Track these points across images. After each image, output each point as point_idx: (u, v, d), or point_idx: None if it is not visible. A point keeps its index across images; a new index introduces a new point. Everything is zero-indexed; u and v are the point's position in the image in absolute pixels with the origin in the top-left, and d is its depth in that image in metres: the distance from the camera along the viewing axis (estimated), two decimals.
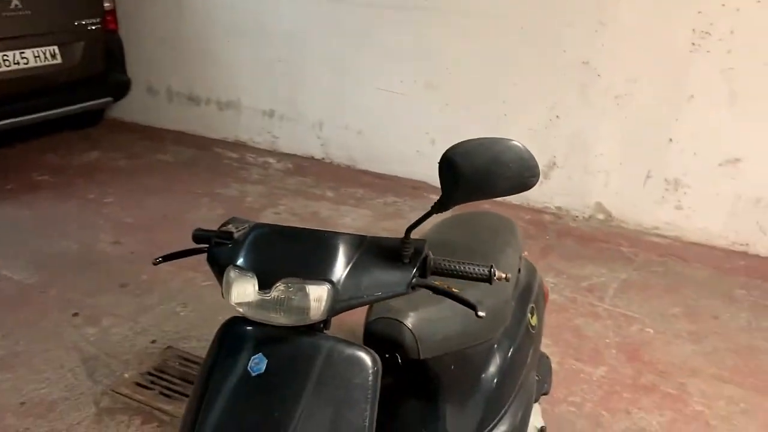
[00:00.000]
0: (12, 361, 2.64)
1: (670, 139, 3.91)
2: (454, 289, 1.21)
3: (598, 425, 2.44)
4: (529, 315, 1.91)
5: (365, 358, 1.17)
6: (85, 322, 2.92)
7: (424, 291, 1.56)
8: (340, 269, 1.15)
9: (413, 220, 1.22)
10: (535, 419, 2.04)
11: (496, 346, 1.75)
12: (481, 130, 4.34)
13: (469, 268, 1.22)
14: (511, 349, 1.78)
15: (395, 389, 1.67)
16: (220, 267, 1.26)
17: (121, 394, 2.49)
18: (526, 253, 2.24)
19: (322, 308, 1.13)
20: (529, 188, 1.19)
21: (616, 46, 3.89)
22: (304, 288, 1.13)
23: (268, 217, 4.06)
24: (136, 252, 3.56)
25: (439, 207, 1.19)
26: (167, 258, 1.41)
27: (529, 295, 1.96)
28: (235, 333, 1.24)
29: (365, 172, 4.83)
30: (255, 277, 1.15)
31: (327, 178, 4.72)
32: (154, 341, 2.81)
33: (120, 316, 2.98)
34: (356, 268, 1.17)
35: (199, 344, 2.80)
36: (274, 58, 4.93)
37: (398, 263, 1.19)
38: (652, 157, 4.00)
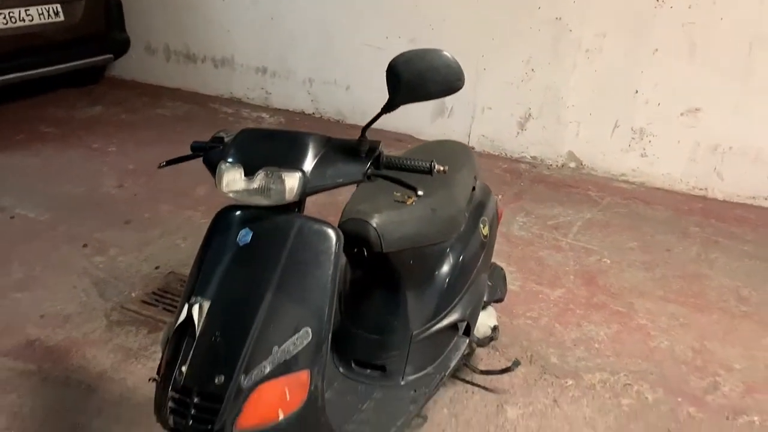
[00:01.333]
0: (30, 284, 2.95)
1: (636, 91, 4.19)
2: (400, 179, 1.50)
3: (551, 335, 2.76)
4: (482, 226, 2.22)
5: (330, 231, 1.47)
6: (93, 252, 3.23)
7: (387, 200, 1.87)
8: (309, 161, 1.45)
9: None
10: (489, 319, 2.36)
11: (449, 248, 2.05)
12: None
13: (414, 162, 1.52)
14: (463, 252, 2.09)
15: (363, 281, 1.99)
16: (213, 165, 1.55)
17: (129, 310, 2.80)
18: (500, 196, 2.53)
19: (295, 191, 1.43)
20: (456, 91, 1.47)
21: (586, 2, 4.14)
22: (281, 175, 1.42)
23: None
24: (139, 194, 3.85)
25: (387, 108, 1.47)
26: (170, 162, 1.70)
27: (482, 210, 2.26)
28: (227, 215, 1.53)
29: (353, 126, 5.09)
30: (241, 168, 1.45)
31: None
32: (157, 267, 3.12)
33: (125, 247, 3.28)
34: (322, 160, 1.46)
35: None
36: (266, 15, 5.16)
37: (356, 158, 1.48)
38: (620, 107, 4.27)
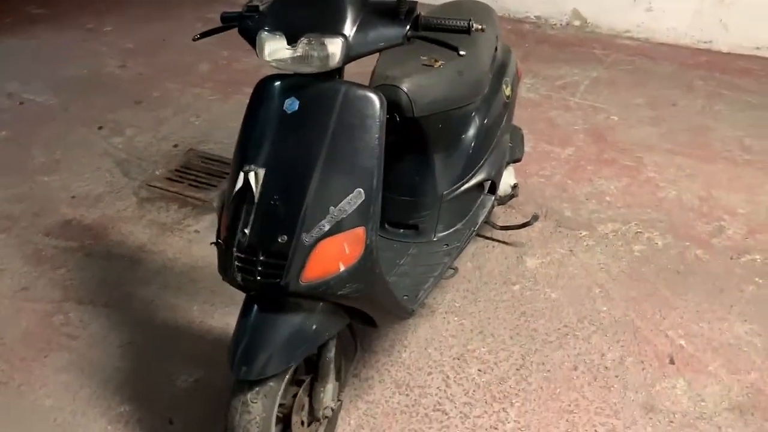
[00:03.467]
0: (54, 167, 3.01)
1: None
2: (441, 39, 1.53)
3: (564, 191, 2.88)
4: (504, 87, 2.26)
5: (374, 96, 1.52)
6: (110, 133, 3.26)
7: (416, 64, 1.90)
8: (349, 25, 1.46)
9: None
10: (509, 177, 2.46)
11: (475, 111, 2.11)
12: None
13: (451, 22, 1.54)
14: (488, 114, 2.15)
15: (395, 145, 2.06)
16: (251, 35, 1.57)
17: (156, 187, 2.88)
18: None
19: (338, 57, 1.46)
20: None
21: None
22: (323, 41, 1.45)
23: None
24: (144, 73, 3.82)
25: None
26: (204, 35, 1.70)
27: (504, 70, 2.29)
28: (271, 84, 1.57)
29: None
30: (283, 36, 1.47)
31: None
32: (176, 145, 3.17)
33: (140, 127, 3.31)
34: (362, 24, 1.48)
35: (216, 146, 3.16)
36: None
37: (395, 20, 1.50)
38: None
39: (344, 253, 1.48)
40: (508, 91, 2.28)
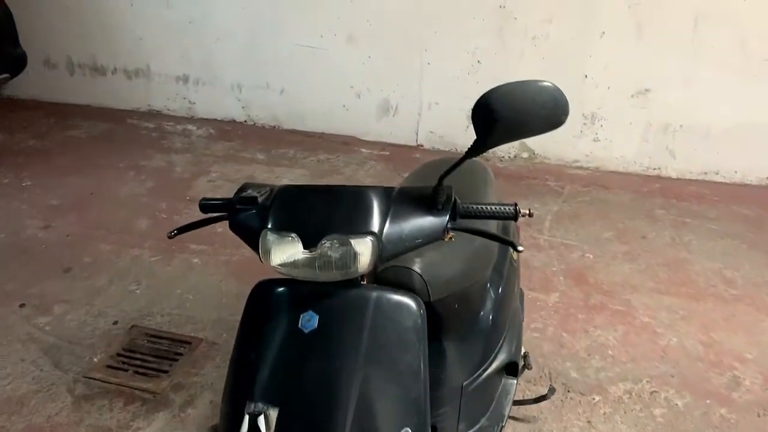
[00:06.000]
0: None
1: (586, 76, 4.13)
2: (495, 233, 1.28)
3: (562, 346, 2.63)
4: (511, 250, 2.03)
5: (411, 302, 1.23)
6: (34, 312, 2.78)
7: None
8: (379, 221, 1.19)
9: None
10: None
11: (489, 282, 1.85)
12: (406, 81, 4.42)
13: (494, 208, 1.29)
14: (502, 283, 1.90)
15: None
16: (249, 232, 1.26)
17: (95, 379, 2.42)
18: None
19: (368, 260, 1.17)
20: (561, 125, 1.24)
21: None
22: (349, 243, 1.16)
23: (203, 185, 3.97)
24: (72, 234, 3.40)
25: (472, 152, 1.23)
26: (182, 230, 1.38)
27: (508, 230, 2.07)
28: (277, 293, 1.25)
29: (292, 132, 4.78)
30: (297, 238, 1.17)
31: (254, 141, 4.64)
32: (116, 322, 2.73)
33: (72, 301, 2.86)
34: (394, 218, 1.21)
35: (164, 319, 2.75)
36: (183, 19, 4.72)
37: (432, 210, 1.24)
38: (570, 93, 4.09)
39: None
40: (514, 254, 2.05)
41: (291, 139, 4.69)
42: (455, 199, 1.28)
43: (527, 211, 1.31)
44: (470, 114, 1.19)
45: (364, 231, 1.17)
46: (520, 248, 1.23)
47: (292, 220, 1.20)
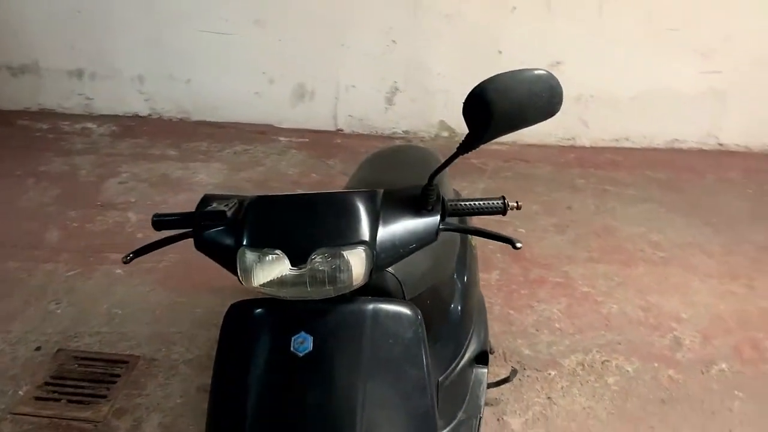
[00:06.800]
0: None
1: (500, 51, 4.16)
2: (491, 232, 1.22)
3: (511, 324, 2.64)
4: (469, 237, 1.99)
5: (408, 311, 1.15)
6: None
7: None
8: (369, 229, 1.10)
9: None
10: None
11: (455, 274, 1.80)
12: (320, 64, 4.28)
13: (482, 204, 1.24)
14: (466, 273, 1.86)
15: None
16: (220, 251, 1.14)
17: (23, 414, 2.19)
18: None
19: (363, 272, 1.09)
20: (555, 114, 1.18)
21: None
22: (342, 255, 1.07)
23: (114, 188, 3.69)
24: None
25: (465, 147, 1.15)
26: (139, 252, 1.24)
27: (465, 219, 2.03)
28: (262, 316, 1.14)
29: (202, 124, 4.54)
30: (283, 255, 1.06)
31: (162, 136, 4.37)
32: (38, 348, 2.48)
33: None
34: (385, 224, 1.13)
35: (93, 339, 2.53)
36: (70, 8, 4.33)
37: (422, 212, 1.17)
38: (485, 69, 4.11)
39: None
40: (473, 241, 2.02)
41: (202, 131, 4.45)
42: (443, 197, 1.21)
43: (515, 204, 1.26)
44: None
45: (354, 241, 1.08)
46: (518, 244, 1.18)
47: (274, 235, 1.09)
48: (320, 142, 4.35)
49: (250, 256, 1.08)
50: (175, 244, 1.25)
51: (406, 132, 4.45)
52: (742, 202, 3.64)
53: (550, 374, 2.39)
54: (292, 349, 1.09)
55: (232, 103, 4.46)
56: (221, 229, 1.16)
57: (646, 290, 2.86)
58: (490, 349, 2.13)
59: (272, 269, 1.07)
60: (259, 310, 1.15)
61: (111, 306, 2.71)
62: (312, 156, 4.16)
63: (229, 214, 1.16)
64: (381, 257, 1.10)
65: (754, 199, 3.68)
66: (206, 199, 1.22)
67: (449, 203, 1.21)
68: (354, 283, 1.09)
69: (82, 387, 2.32)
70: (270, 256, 1.07)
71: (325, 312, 1.12)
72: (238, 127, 4.48)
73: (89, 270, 2.95)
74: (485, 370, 1.87)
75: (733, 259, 3.08)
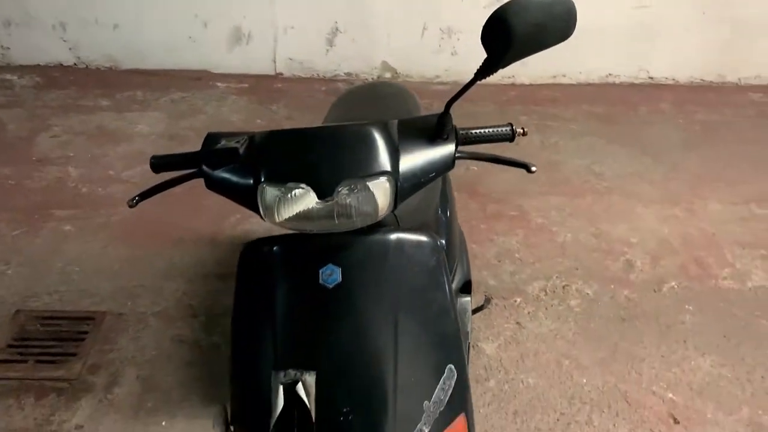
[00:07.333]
0: None
1: None
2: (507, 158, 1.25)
3: (475, 257, 2.72)
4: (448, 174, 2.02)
5: (429, 239, 1.18)
6: None
7: None
8: (391, 159, 1.10)
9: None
10: None
11: (440, 207, 1.83)
12: (256, 5, 4.14)
13: (491, 131, 1.26)
14: (448, 208, 1.89)
15: None
16: (237, 189, 1.12)
17: None
18: None
19: (388, 203, 1.10)
20: (569, 37, 1.18)
21: None
22: (367, 186, 1.07)
23: (47, 143, 3.49)
24: None
25: (483, 73, 1.16)
26: (145, 195, 1.19)
27: None
28: (286, 251, 1.14)
29: (133, 72, 4.31)
30: (309, 188, 1.06)
31: (91, 86, 4.13)
32: None
33: None
34: (405, 153, 1.13)
35: (52, 298, 2.44)
36: None
37: (438, 140, 1.18)
38: (427, 9, 4.20)
39: None
40: (449, 176, 2.05)
41: (134, 80, 4.23)
42: (455, 126, 1.23)
43: (521, 130, 1.29)
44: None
45: (378, 171, 1.08)
46: (533, 168, 1.22)
47: (297, 169, 1.08)
48: (260, 87, 4.23)
49: (272, 191, 1.07)
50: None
51: (348, 74, 4.40)
52: (674, 132, 3.84)
53: (516, 301, 2.49)
54: (320, 281, 1.10)
55: (164, 49, 4.26)
56: (234, 166, 1.13)
57: (596, 219, 3.00)
58: (487, 298, 2.20)
59: (297, 204, 1.06)
60: (282, 245, 1.15)
61: (66, 264, 2.60)
62: (253, 102, 4.06)
63: (241, 151, 1.13)
64: (404, 187, 1.11)
65: (685, 128, 3.89)
66: (212, 138, 1.19)
67: (461, 131, 1.23)
68: (379, 214, 1.10)
69: (50, 346, 2.24)
70: (296, 190, 1.06)
71: (351, 244, 1.12)
72: (173, 74, 4.29)
73: (35, 229, 2.81)
74: (469, 299, 1.93)
75: (672, 185, 3.27)
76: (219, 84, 4.23)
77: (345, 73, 4.39)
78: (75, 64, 4.35)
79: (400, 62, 4.37)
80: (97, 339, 2.27)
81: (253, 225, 2.83)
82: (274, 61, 4.33)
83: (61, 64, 4.34)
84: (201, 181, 1.17)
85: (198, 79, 4.24)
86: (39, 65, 4.33)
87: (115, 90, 4.09)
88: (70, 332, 2.29)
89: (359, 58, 4.34)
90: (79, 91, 4.07)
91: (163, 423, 1.99)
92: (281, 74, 4.37)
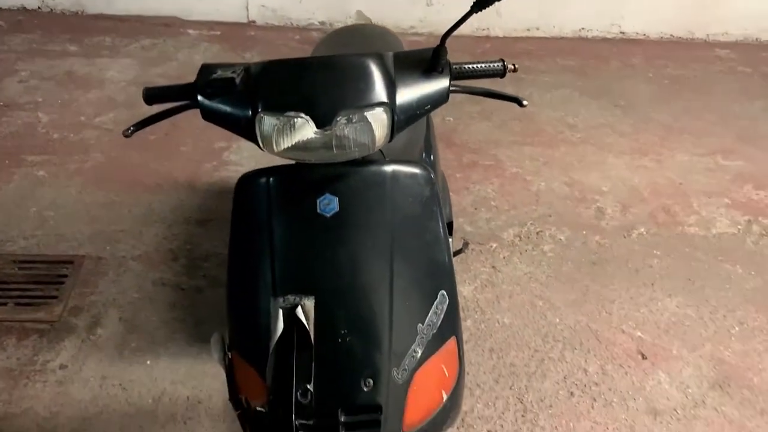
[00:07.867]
0: None
1: None
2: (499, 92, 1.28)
3: (452, 205, 2.77)
4: (431, 116, 2.04)
5: (423, 171, 1.21)
6: None
7: None
8: (387, 90, 1.12)
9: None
10: None
11: (423, 152, 1.86)
12: None
13: (484, 66, 1.29)
14: (432, 152, 1.92)
15: None
16: (233, 119, 1.13)
17: None
18: None
19: (385, 133, 1.12)
20: None
21: None
22: (365, 117, 1.09)
23: (14, 87, 3.40)
24: None
25: (480, 5, 1.18)
26: (139, 126, 1.20)
27: None
28: (283, 181, 1.15)
29: (100, 17, 4.20)
30: (308, 118, 1.07)
31: (58, 31, 4.02)
32: None
33: None
34: (401, 85, 1.15)
35: (29, 242, 2.42)
36: None
37: (433, 73, 1.20)
38: None
39: (444, 378, 1.17)
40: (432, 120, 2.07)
41: (102, 25, 4.13)
42: (449, 60, 1.25)
43: (512, 66, 1.32)
44: None
45: (375, 102, 1.10)
46: (525, 102, 1.26)
47: (295, 98, 1.09)
48: (233, 34, 4.16)
49: (270, 120, 1.08)
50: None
51: (322, 23, 4.35)
52: (645, 85, 3.91)
53: (491, 246, 2.56)
54: (318, 210, 1.12)
55: None
56: (230, 97, 1.14)
57: (569, 168, 3.07)
58: (465, 243, 2.25)
59: (295, 133, 1.08)
60: (279, 176, 1.16)
61: (41, 209, 2.57)
62: (226, 49, 3.99)
63: (237, 81, 1.14)
64: (400, 118, 1.14)
65: (655, 82, 3.96)
66: (207, 69, 1.19)
67: (454, 66, 1.25)
68: (377, 145, 1.12)
69: (29, 289, 2.23)
70: (295, 120, 1.07)
71: (347, 174, 1.15)
72: (142, 19, 4.19)
73: (7, 174, 2.77)
74: (451, 240, 1.98)
75: (642, 137, 3.35)
76: (190, 31, 4.15)
77: (319, 22, 4.34)
78: (39, 7, 4.21)
79: (375, 11, 4.33)
80: (76, 282, 2.27)
81: (230, 171, 2.82)
82: (247, 8, 4.25)
83: (25, 8, 4.21)
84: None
85: (168, 26, 4.15)
86: (2, 8, 4.18)
87: (82, 35, 3.98)
88: (49, 276, 2.29)
89: (333, 6, 4.29)
90: (46, 35, 3.96)
91: (148, 362, 2.01)
92: (254, 22, 4.30)
